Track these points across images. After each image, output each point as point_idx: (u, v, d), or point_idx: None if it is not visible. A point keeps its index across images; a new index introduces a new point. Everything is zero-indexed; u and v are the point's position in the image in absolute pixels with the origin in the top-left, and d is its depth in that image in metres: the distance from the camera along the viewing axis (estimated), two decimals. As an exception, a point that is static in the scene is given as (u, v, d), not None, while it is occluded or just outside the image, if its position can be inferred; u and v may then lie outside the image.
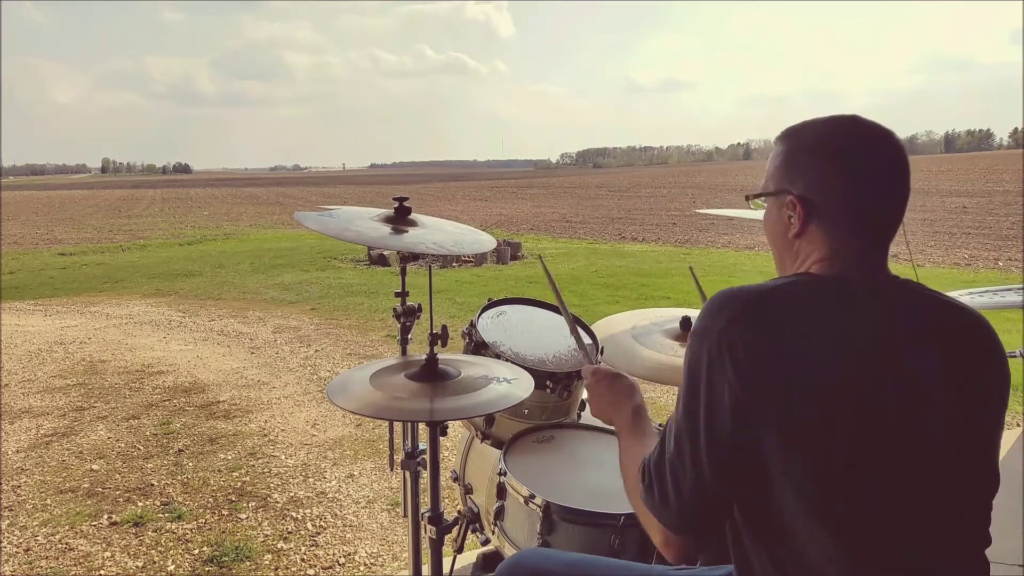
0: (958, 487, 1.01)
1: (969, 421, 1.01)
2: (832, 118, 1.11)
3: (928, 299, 1.07)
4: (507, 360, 1.93)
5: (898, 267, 1.14)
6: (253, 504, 3.49)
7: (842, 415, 0.95)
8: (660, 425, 2.19)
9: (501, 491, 1.80)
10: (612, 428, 2.05)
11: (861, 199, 1.06)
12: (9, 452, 4.17)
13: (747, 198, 1.23)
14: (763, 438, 0.95)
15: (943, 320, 1.05)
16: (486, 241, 2.17)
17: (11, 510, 3.44)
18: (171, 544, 3.11)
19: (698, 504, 1.01)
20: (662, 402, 4.94)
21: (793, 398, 0.94)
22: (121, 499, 3.55)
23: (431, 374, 1.69)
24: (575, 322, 2.28)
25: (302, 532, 3.23)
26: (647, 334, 2.26)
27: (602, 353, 2.08)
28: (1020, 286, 2.45)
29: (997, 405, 1.05)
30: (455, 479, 2.29)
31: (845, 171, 1.06)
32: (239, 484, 3.71)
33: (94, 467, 3.95)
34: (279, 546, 3.10)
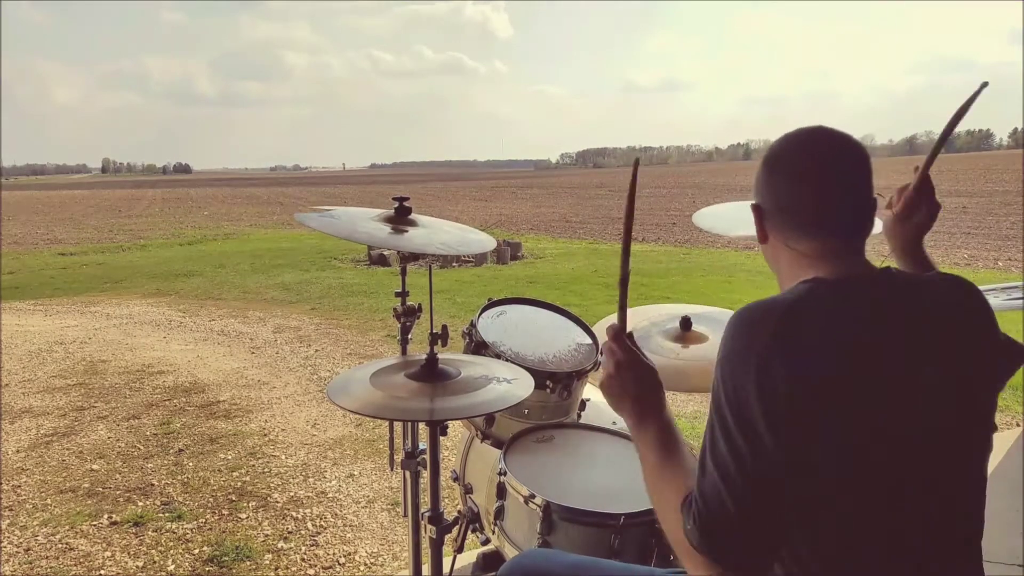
0: (970, 480, 1.04)
1: (973, 397, 1.03)
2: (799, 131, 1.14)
3: (914, 284, 1.10)
4: (507, 360, 1.94)
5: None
6: (253, 504, 3.49)
7: (877, 417, 0.96)
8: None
9: (501, 491, 1.80)
10: (612, 429, 2.06)
11: (809, 202, 1.08)
12: (9, 452, 4.18)
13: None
14: (812, 451, 0.94)
15: (931, 299, 1.07)
16: (486, 241, 2.17)
17: (11, 510, 3.44)
18: (171, 544, 3.11)
19: (748, 532, 0.95)
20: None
21: (838, 406, 0.94)
22: (121, 499, 3.55)
23: (431, 374, 1.69)
24: (577, 320, 2.28)
25: (302, 532, 3.23)
26: (646, 337, 2.26)
27: (603, 355, 2.08)
28: (1020, 284, 2.42)
29: (994, 372, 1.07)
30: (455, 479, 2.29)
31: (786, 178, 1.11)
32: (239, 484, 3.72)
33: (94, 467, 3.95)
34: (279, 546, 3.10)
